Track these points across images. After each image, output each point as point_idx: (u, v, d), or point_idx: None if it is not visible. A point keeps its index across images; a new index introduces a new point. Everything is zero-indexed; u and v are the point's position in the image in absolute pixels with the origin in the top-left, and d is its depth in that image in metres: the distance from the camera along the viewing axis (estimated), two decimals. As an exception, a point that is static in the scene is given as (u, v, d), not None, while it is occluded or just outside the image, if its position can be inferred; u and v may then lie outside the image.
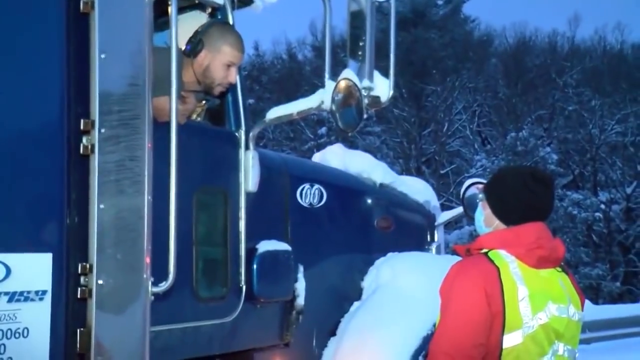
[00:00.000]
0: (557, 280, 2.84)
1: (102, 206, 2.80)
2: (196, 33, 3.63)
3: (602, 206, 28.80)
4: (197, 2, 3.52)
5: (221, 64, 3.61)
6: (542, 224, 2.88)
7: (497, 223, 2.93)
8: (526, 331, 2.69)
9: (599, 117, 29.87)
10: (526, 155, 29.33)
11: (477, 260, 2.82)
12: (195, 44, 3.60)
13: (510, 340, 2.68)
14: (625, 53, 35.59)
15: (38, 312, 2.69)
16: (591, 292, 26.10)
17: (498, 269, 2.73)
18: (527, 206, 2.86)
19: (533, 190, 2.86)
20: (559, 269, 2.89)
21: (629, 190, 29.01)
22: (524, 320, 2.69)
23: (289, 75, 34.42)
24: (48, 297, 2.71)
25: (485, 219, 2.99)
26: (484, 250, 2.84)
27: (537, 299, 2.73)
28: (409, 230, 4.90)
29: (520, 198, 2.86)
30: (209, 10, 3.76)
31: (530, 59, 34.67)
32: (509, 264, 2.76)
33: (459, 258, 4.72)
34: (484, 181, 4.88)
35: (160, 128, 3.00)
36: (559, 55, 34.86)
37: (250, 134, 3.72)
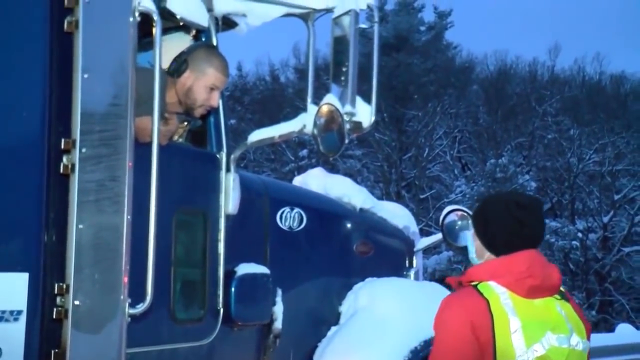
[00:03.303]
0: (556, 308, 2.76)
1: (81, 226, 2.78)
2: (182, 53, 3.64)
3: (579, 235, 28.98)
4: (181, 24, 3.53)
5: (204, 86, 3.62)
6: (533, 252, 2.81)
7: (488, 254, 2.87)
8: None
9: (577, 146, 30.14)
10: (505, 182, 29.48)
11: (465, 293, 2.77)
12: (180, 64, 3.61)
13: None
14: (603, 84, 35.98)
15: (12, 332, 2.66)
16: (567, 319, 26.12)
17: (487, 301, 2.68)
18: (514, 235, 2.79)
19: (518, 217, 2.79)
20: (558, 297, 2.80)
21: (605, 219, 29.22)
22: (517, 353, 2.63)
23: (271, 97, 34.47)
24: (23, 318, 2.69)
25: (476, 250, 2.93)
26: (474, 283, 2.78)
27: (532, 330, 2.66)
28: (387, 256, 4.91)
29: (506, 227, 2.79)
30: (193, 32, 3.77)
31: (510, 86, 34.96)
32: (499, 295, 2.70)
33: (436, 285, 4.76)
34: (464, 208, 4.92)
35: (142, 148, 2.99)
36: (539, 84, 35.18)
37: (232, 156, 3.72)
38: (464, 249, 4.75)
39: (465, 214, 4.77)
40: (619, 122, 31.28)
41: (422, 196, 30.10)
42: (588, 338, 2.85)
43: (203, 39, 3.77)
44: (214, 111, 3.77)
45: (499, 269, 2.76)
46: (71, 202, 2.80)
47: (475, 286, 2.76)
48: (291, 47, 43.79)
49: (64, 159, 2.81)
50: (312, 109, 3.57)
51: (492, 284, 2.74)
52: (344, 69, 3.60)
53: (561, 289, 2.86)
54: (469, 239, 3.00)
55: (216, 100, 3.66)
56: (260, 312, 3.88)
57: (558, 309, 2.77)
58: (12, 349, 2.65)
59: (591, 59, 36.76)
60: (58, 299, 2.77)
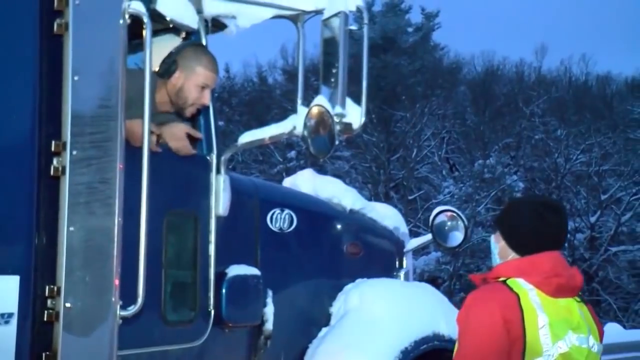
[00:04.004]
0: (577, 310, 2.84)
1: (72, 228, 2.78)
2: (171, 54, 3.64)
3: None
4: (171, 25, 3.53)
5: (195, 85, 3.62)
6: (557, 253, 2.89)
7: (512, 255, 2.93)
8: (547, 359, 2.69)
9: (564, 146, 30.27)
10: (493, 182, 29.59)
11: (495, 287, 2.82)
12: (170, 65, 3.61)
13: None
14: (590, 84, 36.16)
15: (3, 335, 2.66)
16: (555, 319, 26.23)
17: (518, 295, 2.74)
18: (542, 236, 2.86)
19: (547, 220, 2.87)
20: (578, 299, 2.89)
21: (592, 219, 29.36)
22: (544, 348, 2.69)
23: (259, 98, 34.43)
24: (14, 320, 2.68)
25: (500, 251, 2.98)
26: (502, 279, 2.84)
27: (557, 327, 2.73)
28: (378, 257, 4.92)
29: (535, 229, 2.87)
30: (183, 34, 3.77)
31: (498, 87, 35.08)
32: (528, 291, 2.76)
33: (427, 285, 4.78)
34: (453, 209, 4.94)
35: (132, 151, 2.99)
36: (526, 85, 35.31)
37: (222, 158, 3.72)
38: (454, 249, 4.78)
39: (455, 214, 4.79)
40: (605, 122, 31.45)
41: (410, 197, 30.14)
42: (601, 341, 2.92)
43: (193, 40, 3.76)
44: (203, 113, 3.77)
45: (527, 267, 2.83)
46: (62, 204, 2.79)
47: (504, 282, 2.81)
48: (278, 49, 43.78)
49: (55, 162, 2.81)
50: (302, 110, 3.58)
51: (520, 280, 2.80)
52: (333, 71, 3.61)
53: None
54: (492, 240, 3.05)
55: (207, 99, 3.67)
56: (251, 313, 3.88)
57: (578, 310, 2.85)
58: (3, 352, 2.65)
59: (577, 59, 36.88)
60: (49, 302, 2.76)
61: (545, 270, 2.80)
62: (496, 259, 3.01)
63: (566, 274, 2.84)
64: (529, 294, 2.76)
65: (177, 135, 3.53)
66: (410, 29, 35.86)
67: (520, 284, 2.79)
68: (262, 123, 3.87)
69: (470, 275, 3.24)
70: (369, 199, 5.40)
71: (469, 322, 2.77)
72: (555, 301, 2.79)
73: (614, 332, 13.72)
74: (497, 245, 3.00)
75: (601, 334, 2.94)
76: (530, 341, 2.69)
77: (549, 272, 2.80)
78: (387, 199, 27.04)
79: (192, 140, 3.62)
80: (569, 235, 28.80)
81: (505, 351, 2.68)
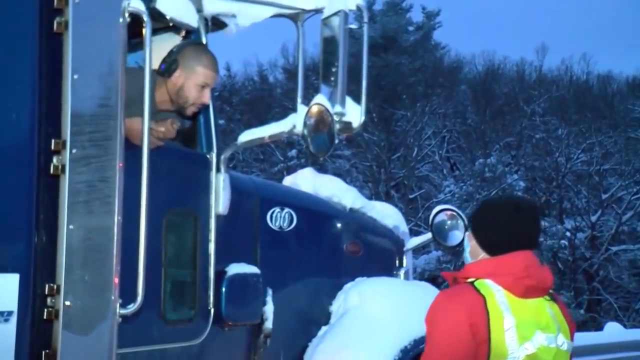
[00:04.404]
0: (546, 309, 2.83)
1: (71, 227, 2.78)
2: (171, 53, 3.64)
3: (568, 234, 29.10)
4: (171, 24, 3.53)
5: (195, 84, 3.63)
6: (530, 253, 2.88)
7: (482, 255, 2.92)
8: None
9: (565, 145, 30.26)
10: (494, 181, 29.58)
11: (462, 289, 2.82)
12: (170, 64, 3.61)
13: None
14: (590, 84, 36.13)
15: (3, 333, 2.66)
16: (556, 318, 26.24)
17: (484, 298, 2.73)
18: (514, 237, 2.86)
19: (518, 220, 2.86)
20: (548, 298, 2.88)
21: (593, 218, 29.35)
22: (510, 350, 2.69)
23: (260, 97, 34.43)
24: (14, 319, 2.68)
25: (471, 250, 2.98)
26: (470, 280, 2.83)
27: (524, 328, 2.72)
28: (377, 255, 4.92)
29: (505, 229, 2.86)
30: (183, 32, 3.77)
31: (498, 86, 35.07)
32: (495, 293, 2.75)
33: (426, 284, 4.78)
34: (453, 208, 4.94)
35: (132, 149, 2.99)
36: (526, 84, 35.29)
37: (222, 157, 3.72)
38: (454, 249, 4.78)
39: (455, 213, 4.79)
40: (606, 121, 31.44)
41: (411, 196, 30.14)
42: (572, 338, 2.92)
43: (193, 39, 3.76)
44: (204, 112, 3.77)
45: (496, 268, 2.81)
46: (61, 203, 2.79)
47: (472, 283, 2.80)
48: (279, 48, 43.77)
49: (54, 160, 2.81)
50: (301, 109, 3.57)
51: (488, 281, 2.79)
52: (333, 70, 3.61)
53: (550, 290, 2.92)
54: (465, 239, 3.05)
55: (208, 98, 3.67)
56: (251, 312, 3.88)
57: (548, 309, 2.84)
58: (3, 350, 2.65)
59: (578, 59, 36.84)
60: (49, 300, 2.76)
61: (516, 271, 2.79)
62: (467, 258, 3.00)
63: (537, 275, 2.83)
64: (496, 296, 2.74)
65: (163, 123, 3.52)
66: (411, 28, 35.84)
67: (488, 286, 2.78)
68: (262, 122, 3.87)
69: (442, 272, 3.25)
70: (370, 198, 5.40)
71: (435, 324, 2.78)
72: (524, 301, 2.78)
73: (615, 331, 13.73)
74: (469, 244, 3.00)
75: (572, 331, 2.93)
76: (495, 344, 2.68)
77: (520, 274, 2.78)
78: (388, 198, 27.04)
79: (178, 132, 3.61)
80: (569, 234, 28.85)
81: (471, 354, 2.69)
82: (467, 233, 3.06)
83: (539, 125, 31.81)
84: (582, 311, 28.07)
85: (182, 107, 3.65)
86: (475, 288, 2.77)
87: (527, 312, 2.76)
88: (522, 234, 2.87)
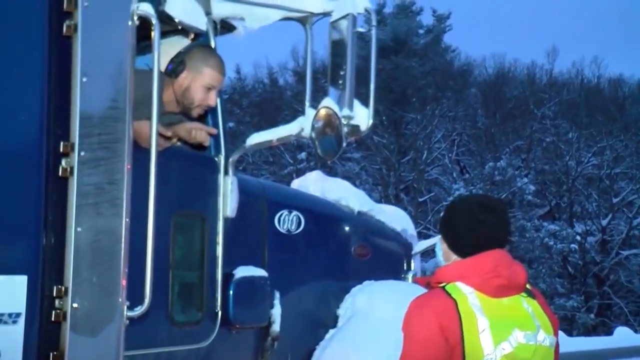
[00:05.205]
0: (523, 306, 2.80)
1: (79, 229, 2.79)
2: (179, 54, 3.66)
3: (578, 238, 29.02)
4: (179, 27, 3.54)
5: (201, 85, 3.64)
6: (500, 251, 2.84)
7: (454, 257, 2.91)
8: None
9: (575, 149, 30.20)
10: (504, 185, 29.54)
11: (433, 294, 2.80)
12: (177, 65, 3.63)
13: None
14: (601, 87, 36.05)
15: (11, 335, 2.67)
16: (566, 323, 26.21)
17: (455, 301, 2.71)
18: (479, 237, 2.83)
19: (482, 220, 2.83)
20: (525, 295, 2.84)
21: (604, 222, 29.27)
22: (486, 352, 2.67)
23: (270, 100, 34.50)
24: (22, 320, 2.69)
25: (443, 253, 2.97)
26: (442, 284, 2.81)
27: (500, 328, 2.70)
28: (385, 259, 4.91)
29: (470, 229, 2.83)
30: (192, 35, 3.78)
31: (509, 89, 35.03)
32: (467, 295, 2.73)
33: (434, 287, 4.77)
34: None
35: (140, 151, 3.00)
36: (537, 87, 35.23)
37: (230, 160, 3.73)
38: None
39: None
40: (617, 125, 31.35)
41: (420, 199, 30.13)
42: (555, 333, 2.89)
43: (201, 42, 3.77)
44: (212, 114, 3.78)
45: (466, 270, 2.80)
46: (70, 205, 2.80)
47: (443, 287, 2.79)
48: (289, 50, 43.80)
49: (63, 162, 2.82)
50: (310, 112, 3.58)
51: (459, 284, 2.77)
52: (341, 73, 3.61)
53: (527, 286, 2.88)
54: (437, 242, 3.03)
55: (214, 100, 3.68)
56: (258, 314, 3.88)
57: (525, 306, 2.81)
58: (11, 352, 2.66)
59: (589, 62, 36.87)
60: (57, 302, 2.77)
61: (484, 272, 2.76)
62: (441, 261, 2.98)
63: (507, 274, 2.78)
64: (469, 298, 2.72)
65: (191, 126, 3.56)
66: (421, 31, 35.85)
67: (459, 288, 2.75)
68: (272, 124, 3.87)
69: (416, 278, 3.24)
70: (379, 201, 5.40)
71: (408, 330, 2.77)
72: (499, 301, 2.75)
73: (626, 335, 13.66)
74: (441, 247, 2.98)
75: (555, 326, 2.89)
76: (469, 347, 2.66)
77: (490, 273, 2.75)
78: (397, 201, 27.03)
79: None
80: (579, 238, 28.75)
81: (446, 358, 2.67)
82: (439, 236, 3.03)
83: (549, 128, 31.75)
84: (592, 315, 27.97)
85: (188, 109, 3.66)
86: (447, 292, 2.75)
87: (501, 312, 2.73)
88: (490, 233, 2.83)
